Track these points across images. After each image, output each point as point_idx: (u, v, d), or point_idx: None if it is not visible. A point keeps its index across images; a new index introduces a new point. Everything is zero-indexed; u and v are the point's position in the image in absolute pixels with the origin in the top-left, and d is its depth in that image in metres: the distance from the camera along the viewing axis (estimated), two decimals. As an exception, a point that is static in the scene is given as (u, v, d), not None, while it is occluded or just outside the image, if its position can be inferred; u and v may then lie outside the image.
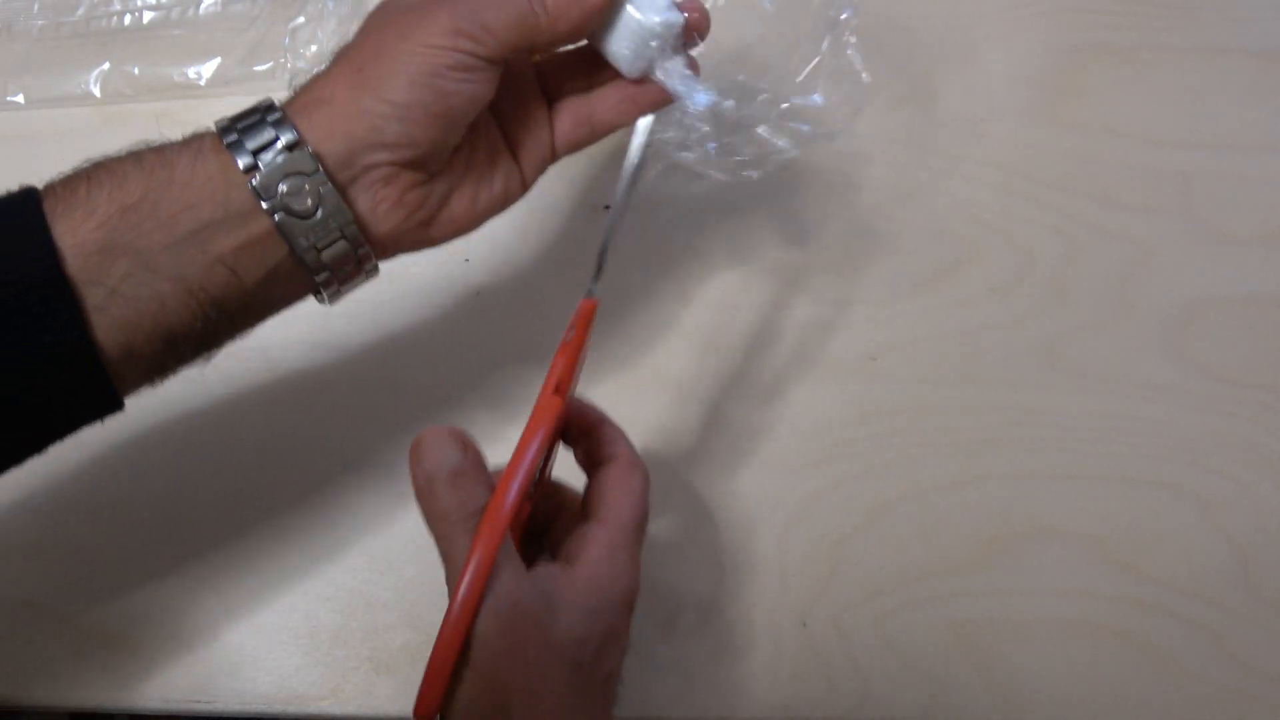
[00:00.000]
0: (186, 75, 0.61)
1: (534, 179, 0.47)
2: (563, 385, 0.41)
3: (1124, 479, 0.55)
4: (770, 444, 0.55)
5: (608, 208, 0.59)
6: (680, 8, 0.43)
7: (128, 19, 0.62)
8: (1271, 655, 0.53)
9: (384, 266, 0.58)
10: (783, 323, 0.57)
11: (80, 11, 0.62)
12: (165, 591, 0.53)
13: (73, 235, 0.37)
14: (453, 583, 0.37)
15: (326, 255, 0.41)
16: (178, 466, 0.54)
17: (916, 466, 0.55)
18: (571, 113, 0.46)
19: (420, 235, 0.43)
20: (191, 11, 0.62)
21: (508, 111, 0.45)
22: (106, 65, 0.61)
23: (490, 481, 0.39)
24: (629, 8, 0.43)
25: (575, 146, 0.47)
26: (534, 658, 0.37)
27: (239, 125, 0.40)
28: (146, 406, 0.55)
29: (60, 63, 0.61)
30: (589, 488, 0.44)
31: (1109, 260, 0.59)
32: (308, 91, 0.41)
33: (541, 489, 0.45)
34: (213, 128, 0.41)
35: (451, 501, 0.38)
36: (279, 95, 0.42)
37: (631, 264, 0.58)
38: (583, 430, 0.45)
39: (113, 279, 0.37)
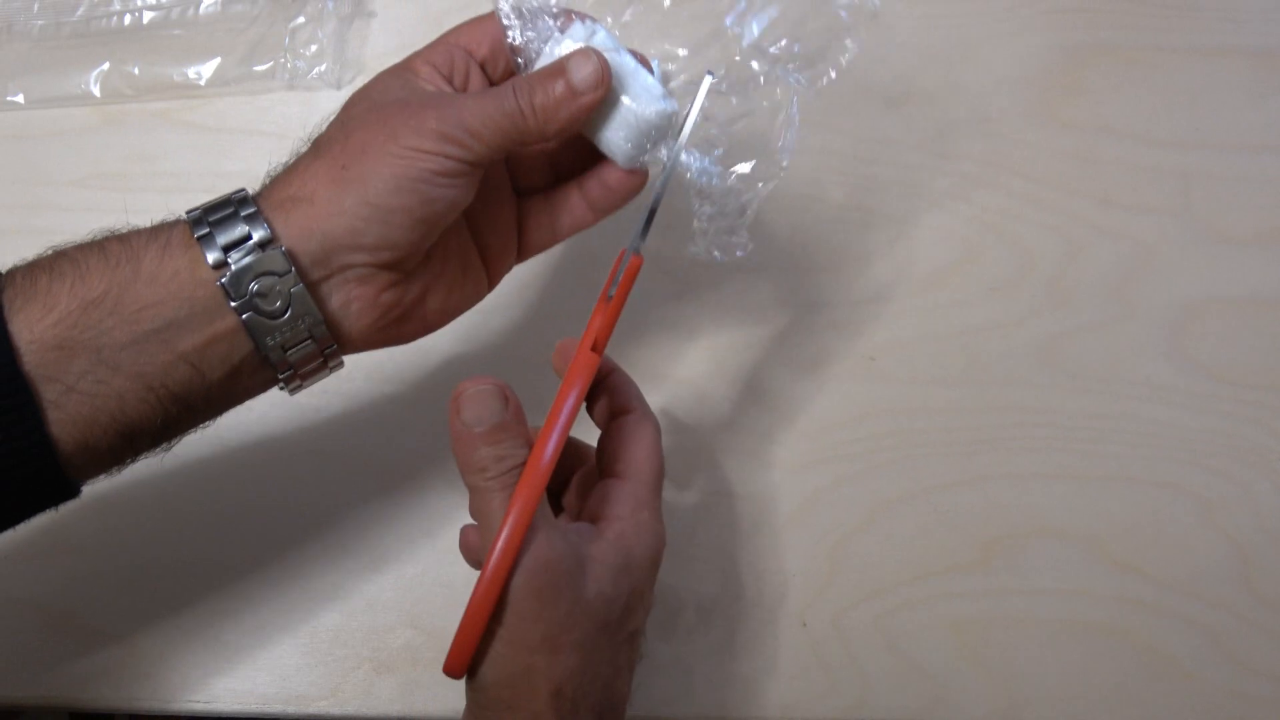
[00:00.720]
0: (186, 75, 0.61)
1: (498, 280, 0.46)
2: (600, 343, 0.41)
3: (1124, 479, 0.55)
4: (770, 444, 0.55)
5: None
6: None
7: (128, 19, 0.62)
8: (1271, 655, 0.53)
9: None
10: (783, 322, 0.57)
11: (80, 11, 0.62)
12: (165, 591, 0.53)
13: (30, 331, 0.36)
14: (488, 540, 0.37)
15: (292, 354, 0.40)
16: (177, 466, 0.54)
17: (916, 466, 0.55)
18: (538, 215, 0.46)
19: (392, 334, 0.42)
20: (191, 11, 0.62)
21: (479, 211, 0.44)
22: (106, 65, 0.61)
23: (529, 438, 0.39)
24: (624, 100, 0.42)
25: (539, 249, 0.47)
26: (562, 617, 0.38)
27: (211, 218, 0.39)
28: (146, 406, 0.55)
29: (60, 63, 0.61)
30: (604, 441, 0.43)
31: (1109, 260, 0.59)
32: (285, 184, 0.40)
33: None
34: (184, 217, 0.40)
35: (489, 456, 0.38)
36: (253, 180, 0.41)
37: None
38: (596, 380, 0.44)
39: (70, 376, 0.37)
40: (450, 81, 0.42)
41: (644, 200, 0.44)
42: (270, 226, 0.38)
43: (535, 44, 0.43)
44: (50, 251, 0.39)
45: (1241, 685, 0.52)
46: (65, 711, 0.54)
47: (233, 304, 0.38)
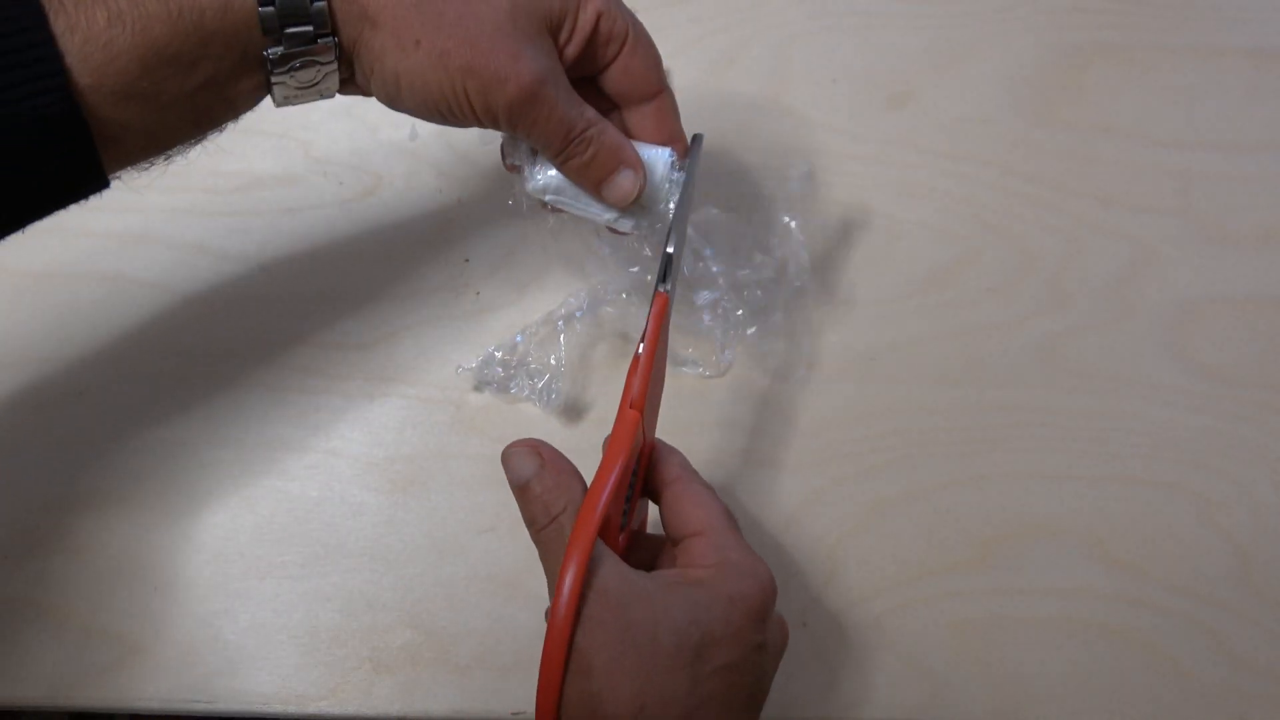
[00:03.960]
0: (186, 75, 0.61)
1: None
2: (638, 400, 0.41)
3: (1124, 479, 0.55)
4: (770, 444, 0.55)
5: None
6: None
7: (128, 18, 0.62)
8: (1271, 655, 0.53)
9: (385, 267, 0.58)
10: (783, 322, 0.57)
11: None
12: (165, 591, 0.53)
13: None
14: (552, 587, 0.38)
15: (296, 95, 0.43)
16: (178, 467, 0.54)
17: (916, 466, 0.55)
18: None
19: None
20: (191, 11, 0.62)
21: None
22: (106, 65, 0.61)
23: (580, 486, 0.41)
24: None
25: None
26: (615, 643, 0.37)
27: (286, 29, 0.40)
28: (145, 406, 0.55)
29: (60, 62, 0.61)
30: (665, 513, 0.44)
31: (1109, 260, 0.59)
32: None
33: (632, 519, 0.45)
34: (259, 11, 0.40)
35: (535, 510, 0.40)
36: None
37: (631, 263, 0.58)
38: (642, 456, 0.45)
39: (125, 118, 0.39)
40: (586, 49, 0.44)
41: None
42: (334, 21, 0.40)
43: None
44: None
45: (1241, 684, 0.52)
46: (65, 712, 0.54)
47: (271, 71, 0.40)
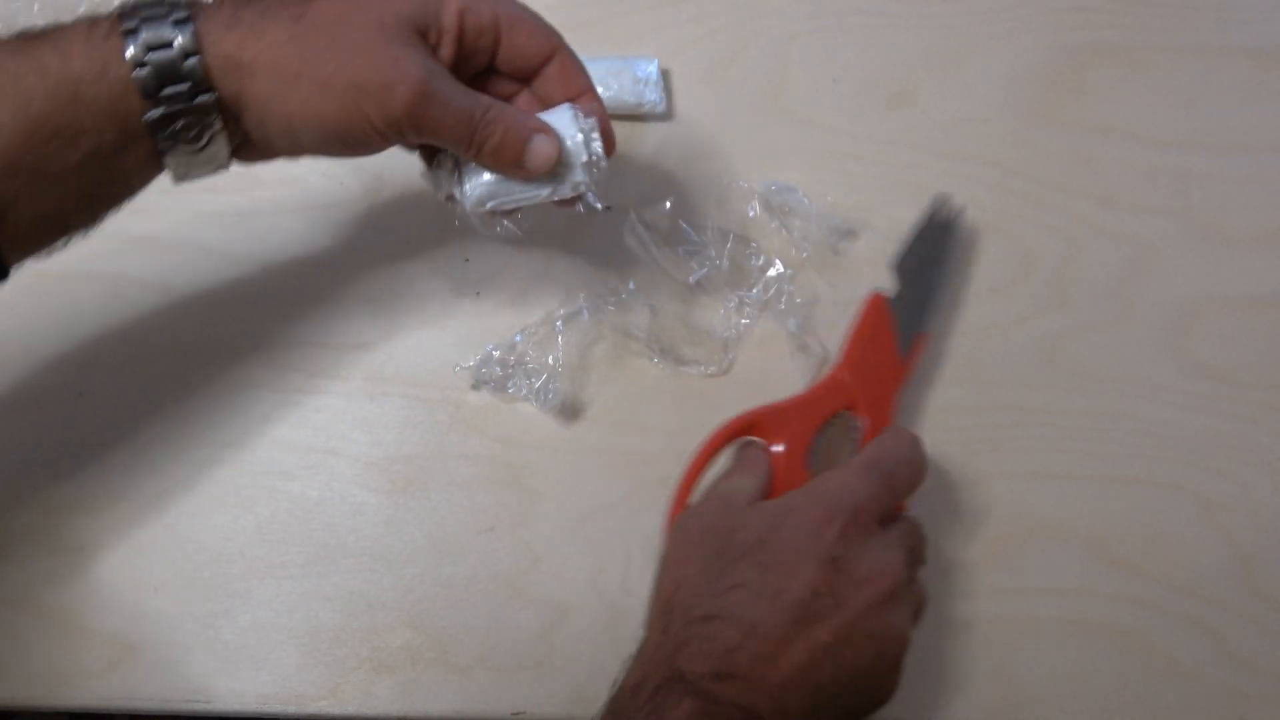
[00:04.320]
0: (186, 75, 0.61)
1: None
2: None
3: (1124, 479, 0.55)
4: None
5: (608, 208, 0.59)
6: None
7: (127, 19, 0.62)
8: (1271, 655, 0.53)
9: (385, 267, 0.58)
10: (783, 323, 0.57)
11: (81, 10, 0.62)
12: (165, 591, 0.53)
13: None
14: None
15: (192, 166, 0.43)
16: (178, 467, 0.54)
17: (916, 466, 0.55)
18: None
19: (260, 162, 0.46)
20: (191, 11, 0.62)
21: None
22: (106, 65, 0.61)
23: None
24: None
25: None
26: (694, 536, 0.46)
27: (147, 38, 0.39)
28: (145, 406, 0.55)
29: (60, 62, 0.61)
30: None
31: (1109, 260, 0.59)
32: (239, 32, 0.40)
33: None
34: (117, 18, 0.40)
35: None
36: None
37: (631, 264, 0.58)
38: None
39: (12, 193, 0.39)
40: (460, 48, 0.45)
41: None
42: (209, 77, 0.40)
43: None
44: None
45: (1241, 684, 0.52)
46: (65, 711, 0.54)
47: (156, 136, 0.40)
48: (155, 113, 0.40)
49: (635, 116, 0.61)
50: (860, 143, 0.61)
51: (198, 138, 0.41)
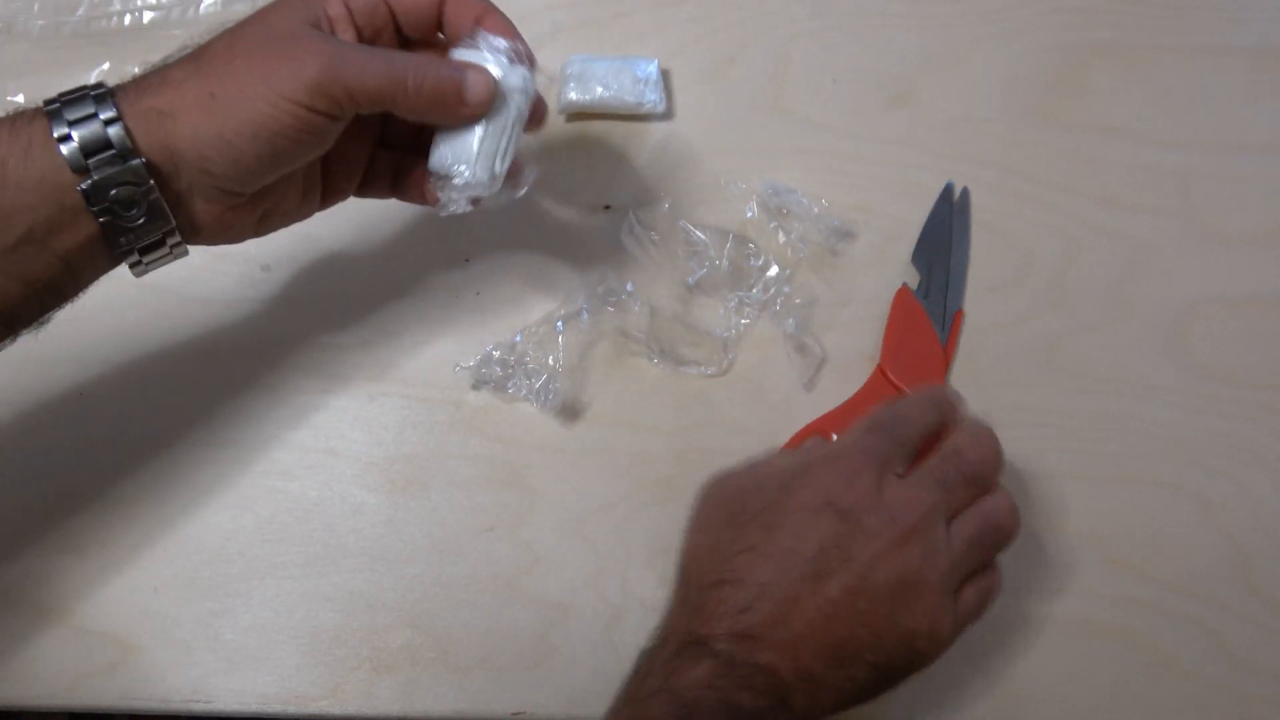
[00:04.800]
0: (186, 75, 0.61)
1: (329, 206, 0.50)
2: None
3: (1124, 479, 0.55)
4: (772, 443, 0.55)
5: (608, 208, 0.59)
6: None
7: (128, 19, 0.62)
8: (1271, 655, 0.53)
9: (385, 267, 0.58)
10: (783, 323, 0.57)
11: (80, 11, 0.62)
12: (164, 591, 0.53)
13: None
14: None
15: (143, 251, 0.43)
16: (177, 466, 0.54)
17: (916, 466, 0.55)
18: (384, 167, 0.50)
19: (229, 238, 0.46)
20: (191, 11, 0.62)
21: (336, 148, 0.46)
22: (106, 65, 0.61)
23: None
24: (478, 133, 0.45)
25: (376, 197, 0.51)
26: (711, 503, 0.47)
27: (70, 116, 0.40)
28: (145, 406, 0.55)
29: (60, 63, 0.61)
30: None
31: (1109, 260, 0.59)
32: (155, 91, 0.41)
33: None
34: (42, 108, 0.40)
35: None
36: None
37: (630, 265, 0.58)
38: None
39: None
40: (360, 32, 0.44)
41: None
42: (131, 138, 0.40)
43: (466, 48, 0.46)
44: None
45: (1241, 684, 0.52)
46: (65, 711, 0.54)
47: (93, 209, 0.40)
48: (87, 182, 0.39)
49: (635, 116, 0.61)
50: (860, 143, 0.61)
51: (135, 204, 0.40)
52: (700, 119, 0.61)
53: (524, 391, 0.55)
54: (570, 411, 0.56)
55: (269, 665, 0.52)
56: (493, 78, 0.45)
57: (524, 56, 0.46)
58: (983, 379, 0.57)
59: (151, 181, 0.40)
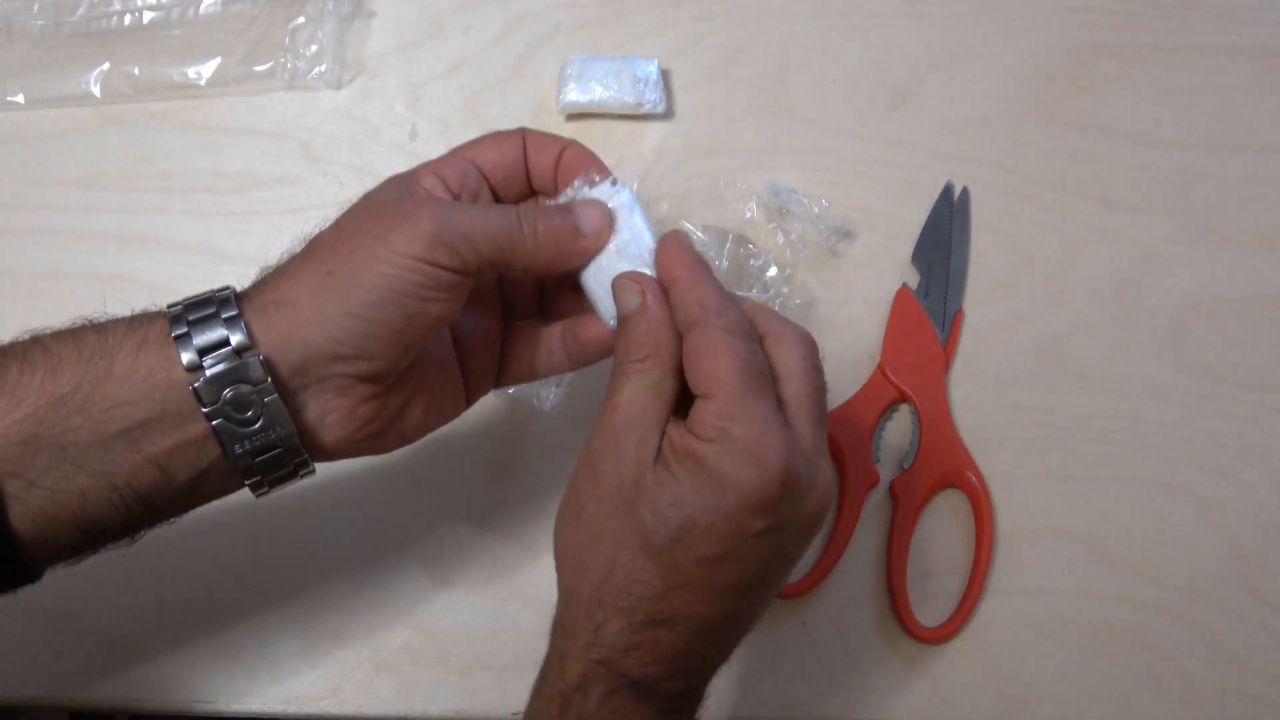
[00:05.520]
0: (186, 75, 0.61)
1: (475, 399, 0.45)
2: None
3: (1124, 479, 0.55)
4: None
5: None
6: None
7: (128, 19, 0.62)
8: (1271, 655, 0.53)
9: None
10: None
11: (80, 11, 0.62)
12: (165, 591, 0.53)
13: None
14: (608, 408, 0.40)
15: (261, 461, 0.39)
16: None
17: (916, 466, 0.55)
18: (520, 344, 0.45)
19: (367, 446, 0.42)
20: (191, 11, 0.62)
21: (464, 324, 0.44)
22: (106, 65, 0.61)
23: (674, 339, 0.40)
24: (620, 262, 0.42)
25: (518, 379, 0.46)
26: (593, 483, 0.39)
27: (191, 316, 0.38)
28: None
29: (60, 63, 0.61)
30: (685, 360, 0.39)
31: (1109, 260, 0.59)
32: (272, 286, 0.39)
33: None
34: (164, 311, 0.38)
35: (628, 346, 0.40)
36: (241, 277, 0.40)
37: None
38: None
39: (33, 471, 0.36)
40: (457, 197, 0.41)
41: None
42: (249, 332, 0.37)
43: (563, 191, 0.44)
44: (27, 336, 0.38)
45: (1241, 685, 0.52)
46: (65, 711, 0.54)
47: (204, 409, 0.37)
48: (199, 380, 0.37)
49: (635, 116, 0.61)
50: (860, 143, 0.61)
51: (250, 406, 0.38)
52: (700, 119, 0.61)
53: (524, 391, 0.55)
54: (569, 411, 0.56)
55: (269, 665, 0.52)
56: (602, 203, 0.42)
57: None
58: (983, 379, 0.57)
59: (268, 379, 0.37)
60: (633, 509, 0.37)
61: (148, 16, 0.62)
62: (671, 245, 0.41)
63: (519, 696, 0.51)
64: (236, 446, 0.38)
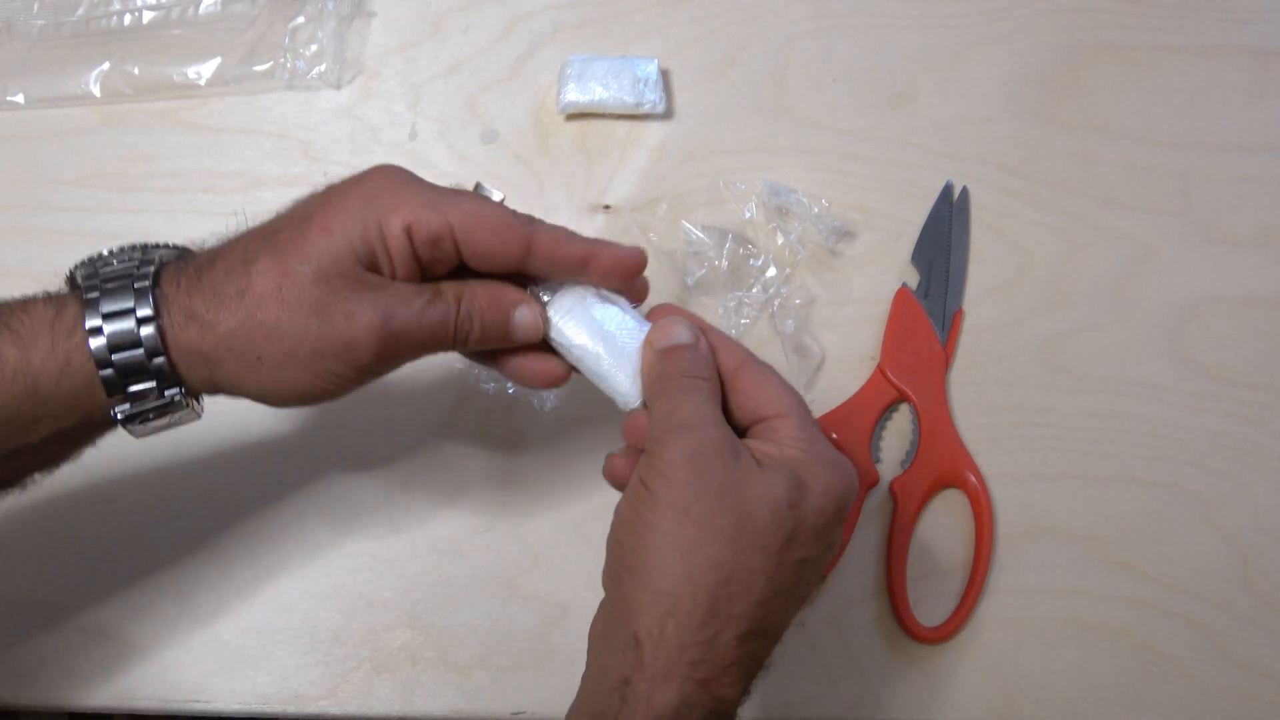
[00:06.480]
0: (186, 75, 0.61)
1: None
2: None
3: (1124, 479, 0.55)
4: (770, 444, 0.55)
5: (608, 208, 0.59)
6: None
7: (128, 19, 0.62)
8: (1271, 655, 0.53)
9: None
10: (783, 324, 0.57)
11: (80, 11, 0.62)
12: (164, 591, 0.53)
13: None
14: (665, 425, 0.40)
15: (154, 427, 0.41)
16: (177, 466, 0.54)
17: (916, 466, 0.55)
18: None
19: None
20: (191, 11, 0.62)
21: None
22: (106, 65, 0.61)
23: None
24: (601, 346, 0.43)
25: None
26: (713, 495, 0.38)
27: (106, 308, 0.38)
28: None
29: (60, 62, 0.61)
30: (734, 398, 0.42)
31: (1109, 260, 0.59)
32: (202, 319, 0.39)
33: None
34: (80, 294, 0.39)
35: (684, 365, 0.41)
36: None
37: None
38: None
39: None
40: (420, 262, 0.41)
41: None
42: (181, 380, 0.39)
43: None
44: None
45: (1241, 685, 0.52)
46: (65, 711, 0.54)
47: (116, 412, 0.39)
48: (124, 409, 0.39)
49: (635, 116, 0.61)
50: (860, 143, 0.61)
51: (167, 420, 0.40)
52: (700, 119, 0.61)
53: (524, 392, 0.55)
54: (569, 411, 0.56)
55: (269, 665, 0.52)
56: (537, 315, 0.42)
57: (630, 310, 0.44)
58: (983, 379, 0.57)
59: (191, 408, 0.40)
60: (748, 509, 0.37)
61: (147, 16, 0.62)
62: (680, 314, 0.43)
63: (519, 696, 0.51)
64: (138, 420, 0.40)
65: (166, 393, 0.39)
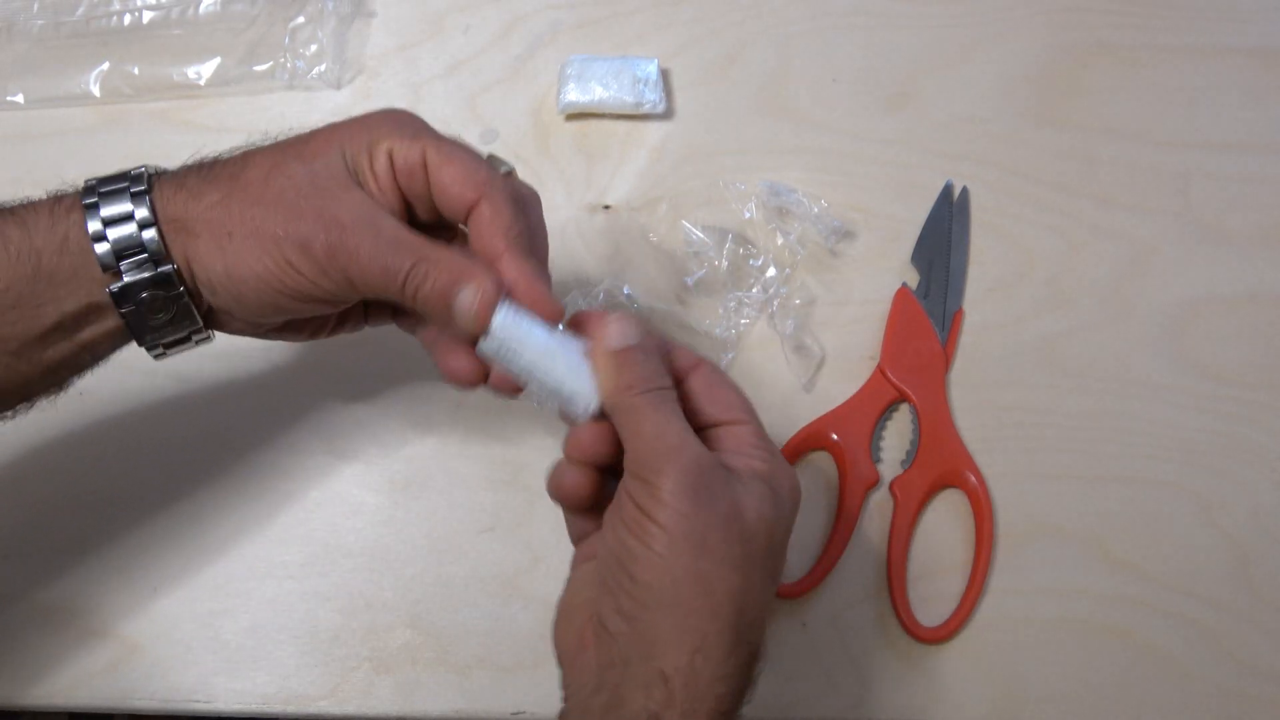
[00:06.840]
0: (186, 75, 0.61)
1: (339, 332, 0.48)
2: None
3: (1124, 479, 0.55)
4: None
5: (608, 208, 0.59)
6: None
7: (128, 19, 0.62)
8: (1271, 655, 0.53)
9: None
10: (783, 325, 0.57)
11: (80, 11, 0.62)
12: (164, 591, 0.53)
13: None
14: (643, 448, 0.39)
15: (168, 345, 0.43)
16: (177, 466, 0.54)
17: (916, 466, 0.55)
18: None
19: (259, 334, 0.45)
20: (191, 11, 0.62)
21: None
22: (106, 65, 0.61)
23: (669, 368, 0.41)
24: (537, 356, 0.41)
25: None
26: (721, 524, 0.37)
27: (105, 212, 0.40)
28: (143, 408, 0.55)
29: (60, 62, 0.61)
30: (691, 399, 0.41)
31: (1109, 260, 0.59)
32: (188, 197, 0.40)
33: None
34: (79, 194, 0.40)
35: (635, 374, 0.40)
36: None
37: (629, 265, 0.58)
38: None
39: None
40: (403, 193, 0.42)
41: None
42: (164, 243, 0.40)
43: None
44: None
45: (1241, 685, 0.52)
46: (65, 711, 0.54)
47: (121, 310, 0.40)
48: (117, 285, 0.40)
49: (635, 116, 0.61)
50: (860, 143, 0.61)
51: (163, 309, 0.41)
52: (700, 119, 0.61)
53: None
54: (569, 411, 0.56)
55: (269, 665, 0.52)
56: (489, 297, 0.41)
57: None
58: (983, 379, 0.57)
59: (182, 289, 0.40)
60: (750, 531, 0.37)
61: (147, 16, 0.62)
62: (626, 317, 0.41)
63: (519, 696, 0.51)
64: (147, 336, 0.42)
65: (160, 269, 0.40)
